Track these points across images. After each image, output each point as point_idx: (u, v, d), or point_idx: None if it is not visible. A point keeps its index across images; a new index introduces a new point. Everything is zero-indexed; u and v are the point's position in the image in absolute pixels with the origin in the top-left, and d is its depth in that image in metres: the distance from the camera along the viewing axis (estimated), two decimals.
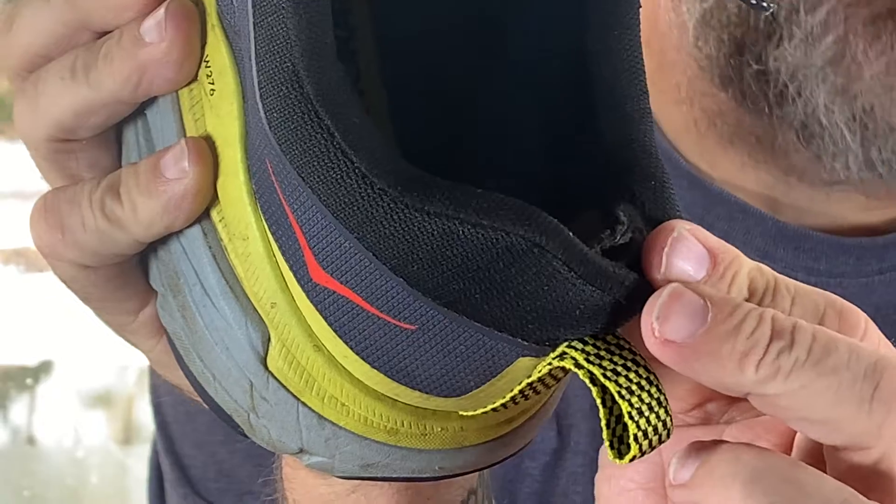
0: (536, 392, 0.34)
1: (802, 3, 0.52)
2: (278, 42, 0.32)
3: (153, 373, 0.70)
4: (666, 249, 0.33)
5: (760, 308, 0.34)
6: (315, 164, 0.31)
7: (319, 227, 0.32)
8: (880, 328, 0.59)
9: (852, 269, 0.60)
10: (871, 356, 0.34)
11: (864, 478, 0.35)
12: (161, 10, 0.37)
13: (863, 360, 0.34)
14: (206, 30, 0.37)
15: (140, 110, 0.39)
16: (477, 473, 0.47)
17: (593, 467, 0.40)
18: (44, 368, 2.69)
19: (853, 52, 0.52)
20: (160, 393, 0.70)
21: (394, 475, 0.36)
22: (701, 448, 0.35)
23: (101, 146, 0.40)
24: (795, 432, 0.38)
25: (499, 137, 0.39)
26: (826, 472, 0.35)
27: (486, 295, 0.31)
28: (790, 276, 0.60)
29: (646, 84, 0.35)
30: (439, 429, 0.35)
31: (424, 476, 0.36)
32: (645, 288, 0.32)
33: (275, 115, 0.32)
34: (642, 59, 0.36)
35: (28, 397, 2.69)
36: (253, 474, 0.56)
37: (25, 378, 2.68)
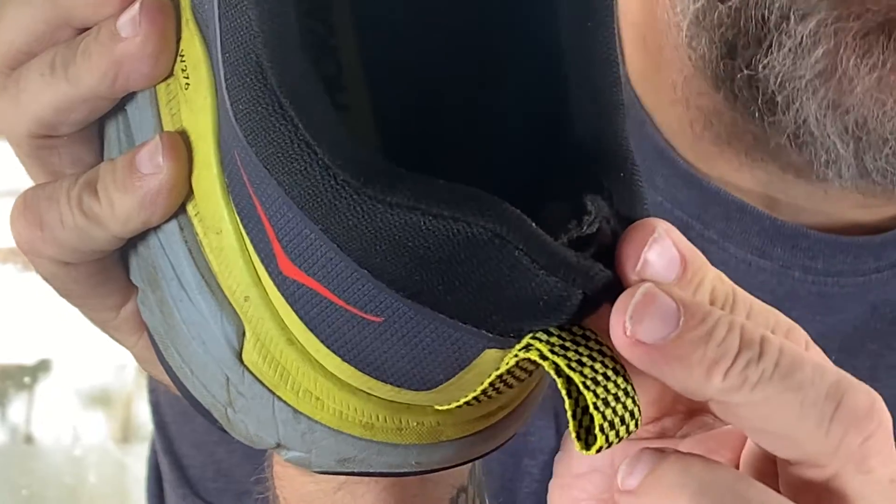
0: (508, 385, 0.33)
1: (793, 12, 0.52)
2: (242, 34, 0.32)
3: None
4: (643, 249, 0.33)
5: (730, 316, 0.34)
6: (279, 155, 0.31)
7: (286, 219, 0.32)
8: (877, 325, 0.59)
9: (849, 267, 0.60)
10: (834, 375, 0.34)
11: (816, 495, 0.35)
12: (136, 6, 0.37)
13: (827, 379, 0.34)
14: (181, 25, 0.37)
15: (121, 106, 0.39)
16: (467, 471, 0.47)
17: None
18: (42, 367, 2.69)
19: (844, 67, 0.51)
20: (158, 392, 0.70)
21: (371, 470, 0.36)
22: (650, 456, 0.35)
23: (83, 142, 0.40)
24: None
25: (486, 132, 0.38)
26: (776, 486, 0.35)
27: (449, 286, 0.30)
28: (787, 275, 0.60)
29: (619, 76, 0.35)
30: (415, 423, 0.35)
31: (402, 471, 0.36)
32: (611, 279, 0.32)
33: (240, 106, 0.32)
34: (616, 51, 0.35)
35: (26, 396, 2.69)
36: (251, 474, 0.56)
37: (24, 377, 2.68)
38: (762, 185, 0.60)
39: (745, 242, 0.61)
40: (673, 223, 0.61)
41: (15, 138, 0.40)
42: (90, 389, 2.64)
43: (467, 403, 0.34)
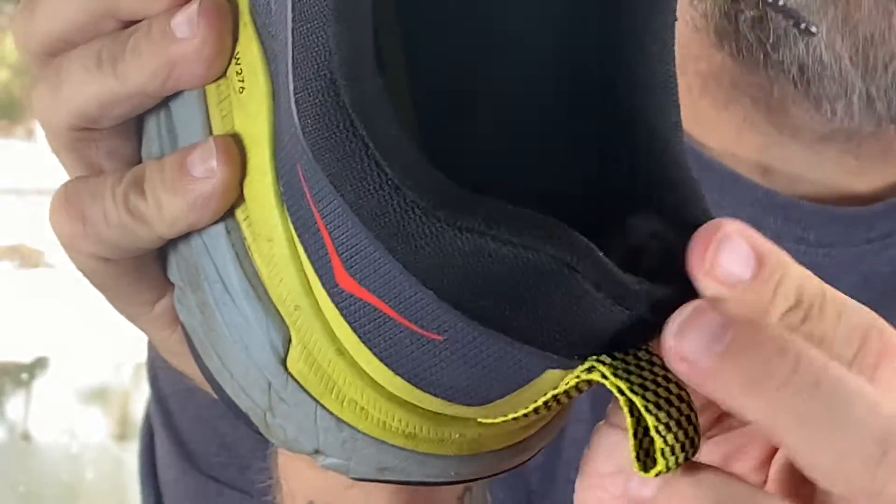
0: (559, 403, 0.33)
1: None
2: (317, 49, 0.32)
3: (150, 346, 0.69)
4: (711, 249, 0.32)
5: (789, 338, 0.32)
6: (348, 173, 0.31)
7: (349, 234, 0.32)
8: (868, 296, 0.59)
9: (841, 238, 0.60)
10: (888, 420, 0.33)
11: None
12: (194, 6, 0.36)
13: (879, 423, 0.33)
14: (239, 26, 0.36)
15: (164, 101, 0.38)
16: None
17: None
18: (39, 364, 2.69)
19: None
20: (157, 366, 0.69)
21: (409, 479, 0.36)
22: None
23: (122, 136, 0.40)
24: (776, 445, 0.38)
25: (526, 141, 0.38)
26: (802, 494, 0.35)
27: (516, 311, 0.31)
28: (779, 245, 0.61)
29: (677, 97, 0.35)
30: (457, 435, 0.35)
31: (440, 480, 0.36)
32: (674, 303, 0.32)
33: (309, 121, 0.32)
34: (675, 74, 0.35)
35: (24, 393, 2.69)
36: (255, 448, 0.55)
37: (21, 374, 2.68)
38: (758, 151, 0.60)
39: (739, 213, 0.60)
40: None
41: (53, 129, 0.40)
42: (88, 387, 2.65)
43: (514, 419, 0.34)
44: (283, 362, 0.35)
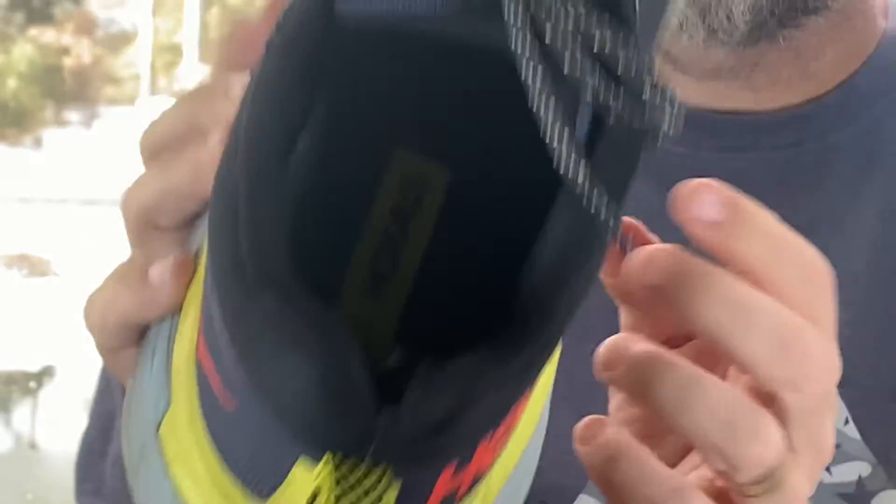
0: None
1: None
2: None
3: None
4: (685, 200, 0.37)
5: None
6: (219, 230, 0.34)
7: (209, 295, 0.35)
8: (784, 193, 0.65)
9: (752, 143, 0.66)
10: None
11: None
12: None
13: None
14: None
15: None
16: None
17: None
18: (47, 373, 2.71)
19: None
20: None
21: None
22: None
23: (177, 239, 0.45)
24: None
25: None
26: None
27: (284, 387, 0.33)
28: (698, 154, 0.67)
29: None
30: None
31: None
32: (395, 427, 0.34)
33: (215, 191, 0.36)
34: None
35: (31, 402, 2.70)
36: None
37: (28, 382, 2.70)
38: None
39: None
40: None
41: (127, 220, 0.45)
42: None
43: None
44: (158, 426, 0.38)
